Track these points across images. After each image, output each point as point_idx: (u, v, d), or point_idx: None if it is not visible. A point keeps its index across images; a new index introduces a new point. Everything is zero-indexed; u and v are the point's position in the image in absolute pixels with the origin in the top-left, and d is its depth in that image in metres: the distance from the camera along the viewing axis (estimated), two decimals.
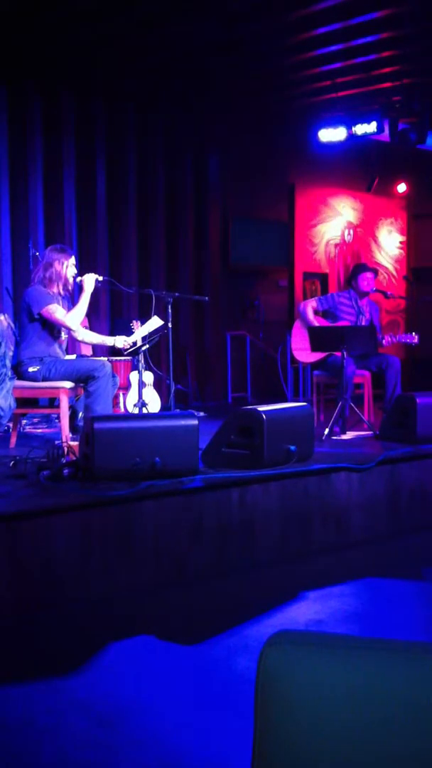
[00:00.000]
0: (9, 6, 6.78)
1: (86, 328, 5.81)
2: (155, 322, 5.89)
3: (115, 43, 7.69)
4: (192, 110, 9.44)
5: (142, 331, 5.90)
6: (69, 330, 5.51)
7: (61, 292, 5.50)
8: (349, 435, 5.85)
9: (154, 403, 7.03)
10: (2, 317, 5.55)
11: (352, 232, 11.72)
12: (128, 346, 5.72)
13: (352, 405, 6.01)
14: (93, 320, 7.88)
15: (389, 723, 1.02)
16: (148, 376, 7.04)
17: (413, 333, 6.46)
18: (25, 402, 5.59)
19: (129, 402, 6.98)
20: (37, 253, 7.52)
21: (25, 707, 2.59)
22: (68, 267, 5.49)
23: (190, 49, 7.89)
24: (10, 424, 5.53)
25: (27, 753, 2.32)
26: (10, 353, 5.20)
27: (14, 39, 7.46)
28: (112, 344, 5.75)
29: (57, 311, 5.36)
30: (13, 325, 6.29)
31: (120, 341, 5.66)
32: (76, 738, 2.38)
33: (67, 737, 2.39)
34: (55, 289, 5.44)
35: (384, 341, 6.21)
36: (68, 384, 5.27)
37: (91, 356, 7.11)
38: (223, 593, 3.82)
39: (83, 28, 7.30)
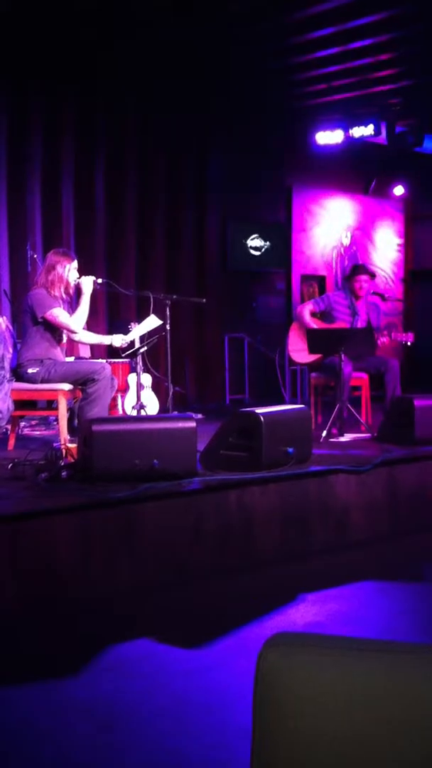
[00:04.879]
0: (9, 6, 6.79)
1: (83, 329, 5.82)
2: (153, 321, 5.89)
3: (115, 43, 7.70)
4: (191, 112, 9.44)
5: (139, 329, 5.91)
6: (71, 333, 5.51)
7: (63, 295, 5.51)
8: (347, 437, 5.85)
9: (152, 405, 7.04)
10: (0, 320, 5.55)
11: (349, 234, 11.73)
12: (125, 345, 5.72)
13: (350, 407, 6.01)
14: (91, 322, 7.86)
15: (389, 725, 1.02)
16: (147, 379, 7.05)
17: (408, 333, 6.47)
18: (23, 404, 5.59)
19: (127, 404, 6.99)
20: (35, 256, 7.51)
21: (25, 709, 2.59)
22: (70, 271, 5.50)
23: (190, 51, 7.90)
24: (9, 427, 5.53)
25: (27, 755, 2.32)
26: (9, 356, 5.21)
27: (15, 39, 7.46)
28: (109, 343, 5.76)
29: (61, 315, 5.37)
30: (11, 327, 6.29)
31: (117, 340, 5.68)
32: (76, 740, 2.39)
33: (67, 739, 2.40)
34: (57, 293, 5.45)
35: (379, 342, 6.19)
36: (67, 386, 5.27)
37: (90, 358, 7.11)
38: (221, 595, 3.82)
39: (83, 28, 7.31)
